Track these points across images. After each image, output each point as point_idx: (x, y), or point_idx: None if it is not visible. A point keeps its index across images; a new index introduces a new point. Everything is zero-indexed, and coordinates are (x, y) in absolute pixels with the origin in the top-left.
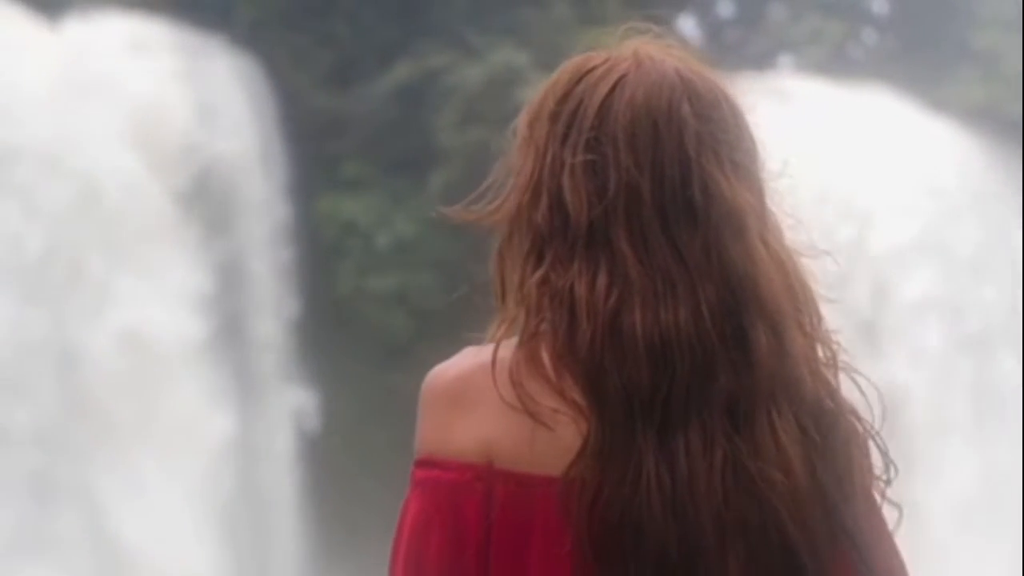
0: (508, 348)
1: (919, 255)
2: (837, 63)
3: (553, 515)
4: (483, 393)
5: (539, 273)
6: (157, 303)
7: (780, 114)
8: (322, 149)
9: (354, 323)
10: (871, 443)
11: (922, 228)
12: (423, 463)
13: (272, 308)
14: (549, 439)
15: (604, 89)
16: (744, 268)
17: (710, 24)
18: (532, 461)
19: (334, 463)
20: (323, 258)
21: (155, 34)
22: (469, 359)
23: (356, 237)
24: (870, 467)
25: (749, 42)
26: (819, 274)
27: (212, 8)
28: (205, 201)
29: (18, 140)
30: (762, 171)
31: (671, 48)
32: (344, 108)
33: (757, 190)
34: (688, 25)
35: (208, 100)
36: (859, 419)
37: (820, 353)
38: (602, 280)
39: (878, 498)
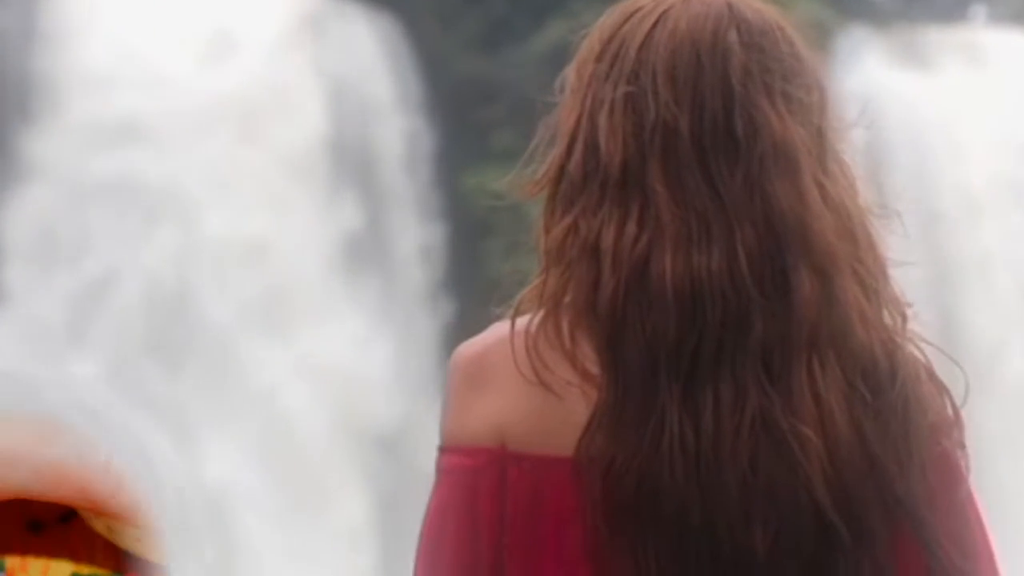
0: (529, 316)
1: None
2: None
3: (567, 495)
4: (499, 368)
5: (567, 220)
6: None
7: (972, 69)
8: (470, 118)
9: (502, 300)
10: (949, 409)
11: None
12: (444, 450)
13: (418, 283)
14: (561, 416)
15: (648, 24)
16: (789, 206)
17: None
18: (544, 442)
19: None
20: (471, 234)
21: None
22: (493, 334)
23: (506, 212)
24: (938, 432)
25: None
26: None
27: None
28: (346, 177)
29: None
30: (828, 112)
31: None
32: (494, 72)
33: (814, 129)
34: None
35: (347, 66)
36: (923, 381)
37: (887, 318)
38: (632, 225)
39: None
